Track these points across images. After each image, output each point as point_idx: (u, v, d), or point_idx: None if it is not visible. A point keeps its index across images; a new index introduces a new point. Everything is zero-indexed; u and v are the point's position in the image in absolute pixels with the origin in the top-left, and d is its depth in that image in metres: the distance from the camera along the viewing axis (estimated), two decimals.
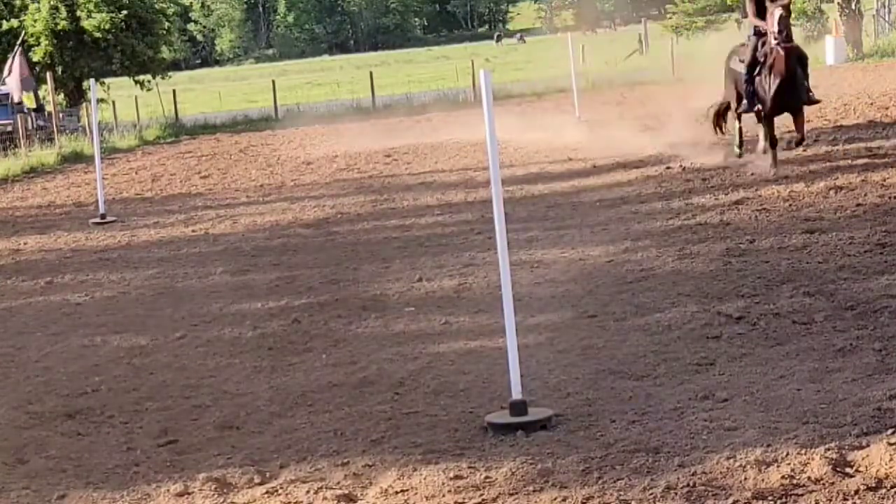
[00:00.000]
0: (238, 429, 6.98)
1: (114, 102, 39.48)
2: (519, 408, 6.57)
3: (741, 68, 15.56)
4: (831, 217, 11.91)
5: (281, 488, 5.88)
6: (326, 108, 38.59)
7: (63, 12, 38.29)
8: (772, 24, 14.65)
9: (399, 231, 13.91)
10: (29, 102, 30.68)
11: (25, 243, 15.56)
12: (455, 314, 9.42)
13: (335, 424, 6.85)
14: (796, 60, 15.08)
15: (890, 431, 5.73)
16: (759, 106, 15.20)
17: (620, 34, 75.85)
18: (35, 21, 38.18)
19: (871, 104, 23.07)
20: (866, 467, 5.38)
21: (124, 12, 38.54)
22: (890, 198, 12.59)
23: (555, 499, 5.39)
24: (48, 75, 33.70)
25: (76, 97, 39.17)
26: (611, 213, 13.58)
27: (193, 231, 15.35)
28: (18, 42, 33.02)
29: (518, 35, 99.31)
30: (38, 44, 38.13)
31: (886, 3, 44.80)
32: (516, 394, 6.66)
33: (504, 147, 20.39)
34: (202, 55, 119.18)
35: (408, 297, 10.23)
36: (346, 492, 5.75)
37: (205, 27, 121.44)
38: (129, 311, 10.71)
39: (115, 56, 39.01)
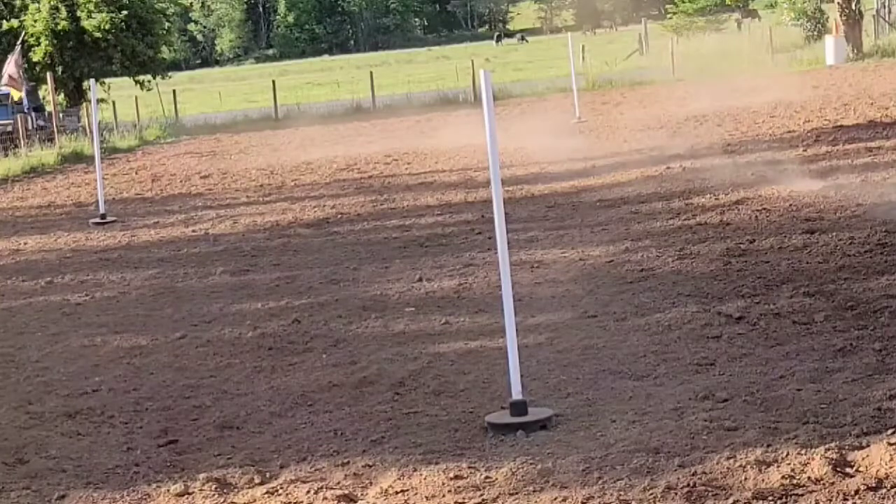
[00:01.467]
0: (238, 429, 6.98)
1: (114, 102, 39.44)
2: (519, 408, 6.57)
3: None
4: (831, 217, 11.91)
5: (281, 488, 5.88)
6: (326, 108, 38.56)
7: (63, 12, 38.27)
8: None
9: (399, 231, 13.91)
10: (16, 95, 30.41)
11: (25, 243, 15.56)
12: (455, 314, 9.42)
13: (335, 424, 6.85)
14: None
15: (890, 431, 5.73)
16: None
17: (620, 34, 75.81)
18: (35, 21, 38.15)
19: (871, 104, 23.07)
20: (866, 467, 5.38)
21: (124, 12, 38.51)
22: (890, 198, 12.59)
23: (555, 499, 5.39)
24: (48, 75, 33.67)
25: (76, 97, 39.13)
26: (611, 213, 13.58)
27: (193, 231, 15.35)
28: (18, 42, 32.98)
29: (519, 35, 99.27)
30: (38, 44, 38.10)
31: (886, 3, 44.79)
32: (516, 394, 6.66)
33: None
34: (202, 55, 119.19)
35: (408, 297, 10.23)
36: (346, 492, 5.75)
37: (205, 27, 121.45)
38: (129, 311, 10.71)
39: (115, 56, 38.98)
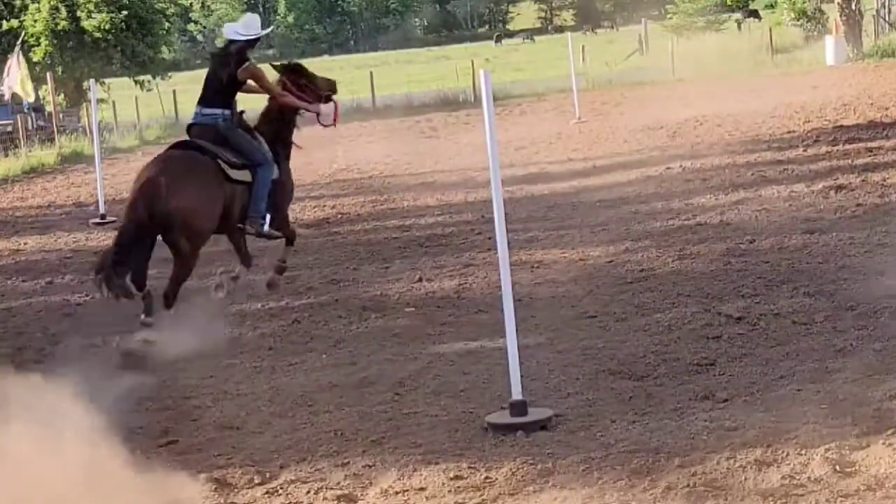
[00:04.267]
0: (238, 429, 6.98)
1: (114, 102, 39.40)
2: (519, 408, 6.57)
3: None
4: (831, 217, 11.91)
5: (281, 488, 5.88)
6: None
7: (63, 12, 38.27)
8: None
9: (399, 231, 13.90)
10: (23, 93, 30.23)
11: (25, 243, 15.54)
12: (455, 314, 9.42)
13: (335, 424, 6.85)
14: None
15: (890, 431, 5.73)
16: None
17: (621, 34, 75.76)
18: (35, 21, 38.16)
19: (871, 104, 23.06)
20: (866, 467, 5.39)
21: (124, 12, 38.52)
22: (890, 198, 12.59)
23: (555, 499, 5.39)
24: (48, 75, 33.67)
25: (76, 97, 39.13)
26: (611, 213, 13.57)
27: None
28: (18, 42, 32.98)
29: (527, 34, 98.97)
30: (38, 44, 38.10)
31: (886, 3, 44.75)
32: (516, 394, 6.66)
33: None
34: (202, 55, 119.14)
35: (408, 297, 10.23)
36: (346, 492, 5.75)
37: (205, 27, 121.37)
38: (130, 312, 10.69)
39: (115, 56, 38.99)
